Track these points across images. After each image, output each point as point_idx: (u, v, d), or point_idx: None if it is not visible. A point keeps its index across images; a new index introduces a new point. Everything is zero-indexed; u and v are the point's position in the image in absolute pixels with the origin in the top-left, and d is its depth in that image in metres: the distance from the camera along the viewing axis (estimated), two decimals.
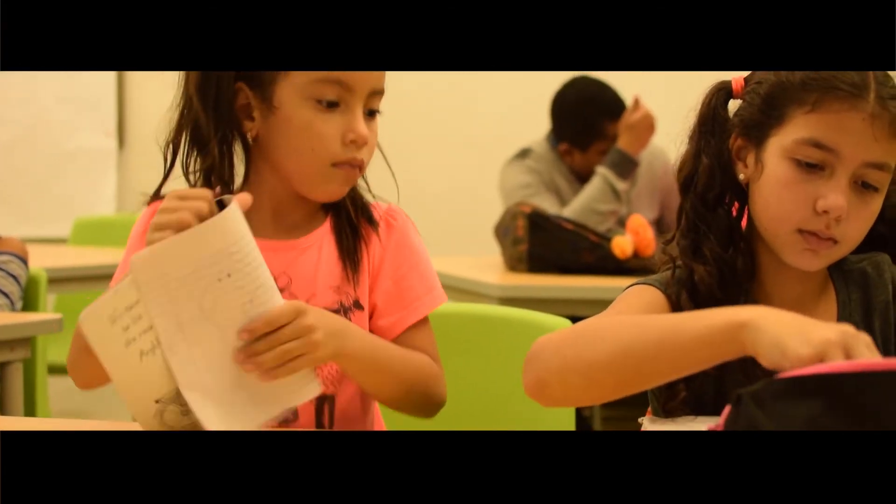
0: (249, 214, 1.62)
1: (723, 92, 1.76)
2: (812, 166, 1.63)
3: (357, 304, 1.83)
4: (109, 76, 5.65)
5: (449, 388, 1.84)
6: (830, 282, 1.76)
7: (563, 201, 4.29)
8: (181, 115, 1.84)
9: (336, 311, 1.79)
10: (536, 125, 4.63)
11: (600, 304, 1.76)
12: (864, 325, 1.72)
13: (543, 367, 1.52)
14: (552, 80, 4.47)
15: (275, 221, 1.83)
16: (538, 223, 3.81)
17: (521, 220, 3.82)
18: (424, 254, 1.89)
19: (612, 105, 4.32)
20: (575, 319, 1.99)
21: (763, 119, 1.68)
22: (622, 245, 3.70)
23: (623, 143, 4.19)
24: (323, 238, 1.84)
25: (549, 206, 4.17)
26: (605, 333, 1.51)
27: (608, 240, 3.74)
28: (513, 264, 3.87)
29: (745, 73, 1.75)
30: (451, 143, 5.81)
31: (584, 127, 4.35)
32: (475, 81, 5.63)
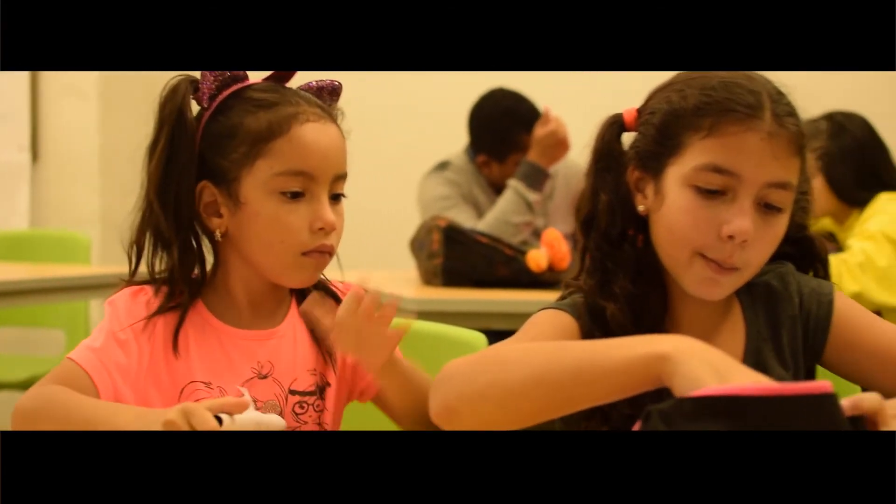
0: (227, 307, 1.83)
1: (615, 125, 1.75)
2: (714, 192, 1.61)
3: (327, 384, 1.90)
4: (23, 89, 5.60)
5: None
6: (736, 300, 1.75)
7: (482, 213, 4.32)
8: (143, 218, 1.84)
9: (313, 393, 1.87)
10: (453, 139, 4.65)
11: (515, 318, 1.78)
12: (772, 340, 1.73)
13: (454, 393, 1.49)
14: (466, 94, 4.50)
15: (252, 311, 1.88)
16: (453, 237, 3.83)
17: (436, 234, 3.83)
18: None
19: (528, 117, 4.35)
20: (490, 333, 2.02)
21: (659, 149, 1.66)
22: (537, 258, 3.72)
23: (533, 155, 4.23)
24: (296, 323, 1.90)
25: (466, 218, 4.20)
26: (521, 359, 1.48)
27: (523, 253, 3.76)
28: (428, 278, 3.88)
29: (641, 105, 1.74)
30: (366, 157, 5.81)
31: (501, 139, 4.38)
32: (390, 96, 5.65)
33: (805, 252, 1.80)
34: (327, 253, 1.82)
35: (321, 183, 1.80)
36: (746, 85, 1.62)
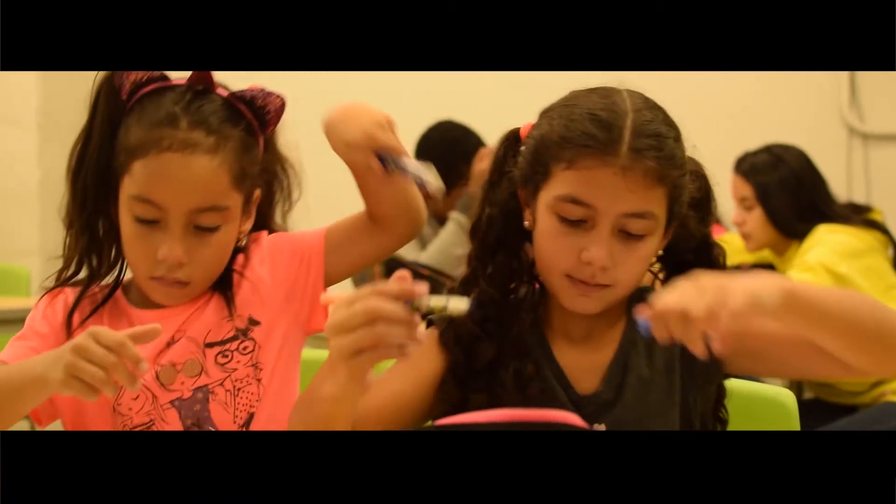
0: (140, 293, 1.84)
1: (511, 140, 1.80)
2: (574, 221, 1.66)
3: (252, 321, 1.86)
4: None
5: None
6: (624, 306, 1.77)
7: (425, 245, 4.32)
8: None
9: (234, 338, 1.84)
10: None
11: None
12: (644, 344, 1.75)
13: None
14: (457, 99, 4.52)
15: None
16: (395, 269, 3.81)
17: (378, 267, 3.83)
18: (292, 239, 1.93)
19: (473, 149, 4.36)
20: None
21: (532, 173, 1.72)
22: None
23: (473, 188, 4.25)
24: (211, 293, 1.87)
25: (410, 249, 4.20)
26: None
27: None
28: None
29: (535, 122, 1.77)
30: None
31: (446, 171, 4.38)
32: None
33: (703, 260, 1.81)
34: (178, 283, 1.80)
35: (173, 215, 1.75)
36: (606, 119, 1.65)
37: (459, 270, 4.02)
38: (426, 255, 4.16)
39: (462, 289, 1.78)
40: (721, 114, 4.90)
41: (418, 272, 3.82)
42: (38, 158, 5.46)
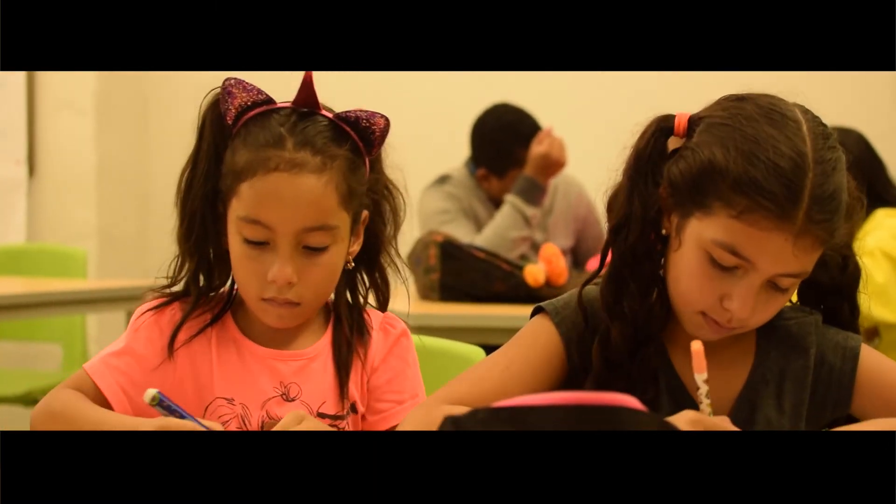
0: (252, 323, 1.84)
1: (663, 129, 1.69)
2: (725, 267, 1.59)
3: (353, 408, 1.87)
4: (20, 104, 5.60)
5: None
6: (754, 334, 1.74)
7: (481, 227, 4.32)
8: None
9: (342, 417, 1.84)
10: (454, 152, 4.65)
11: (513, 333, 1.78)
12: (775, 384, 1.72)
13: None
14: (469, 106, 4.51)
15: (277, 330, 1.86)
16: (450, 252, 3.83)
17: (433, 249, 3.83)
18: (415, 363, 1.94)
19: (528, 133, 4.35)
20: (487, 347, 2.02)
21: (690, 196, 1.62)
22: (534, 273, 3.72)
23: (529, 170, 4.24)
24: (326, 348, 1.88)
25: (465, 232, 4.20)
26: None
27: (520, 268, 3.76)
28: (425, 293, 3.88)
29: (694, 115, 1.67)
30: None
31: (501, 154, 4.39)
32: (389, 108, 5.65)
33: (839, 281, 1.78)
34: (290, 304, 1.80)
35: (282, 235, 1.75)
36: (790, 174, 1.55)
37: (514, 253, 4.05)
38: (481, 238, 4.16)
39: (605, 292, 1.70)
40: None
41: (474, 255, 3.82)
42: (95, 142, 5.49)
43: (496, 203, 4.40)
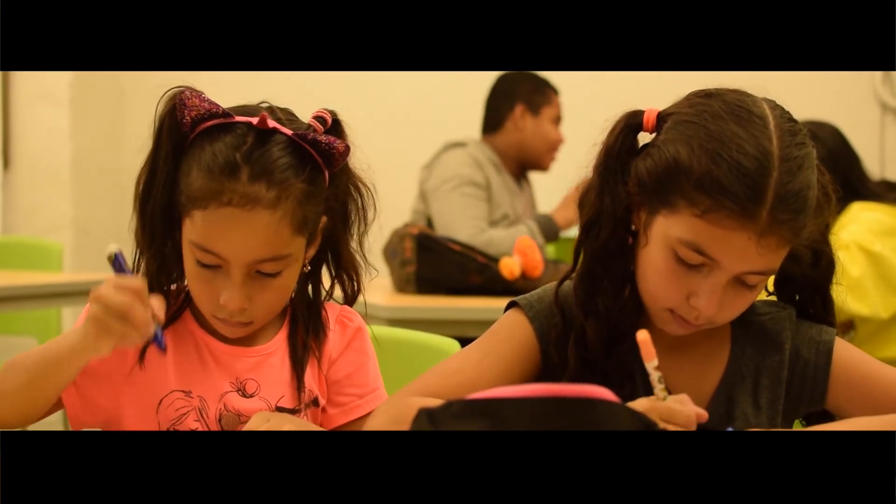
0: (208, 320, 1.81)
1: (632, 124, 1.68)
2: (691, 265, 1.59)
3: (315, 402, 1.87)
4: None
5: None
6: (729, 329, 1.74)
7: (491, 195, 4.31)
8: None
9: (299, 411, 1.84)
10: (432, 145, 4.63)
11: (488, 325, 1.78)
12: (752, 380, 1.73)
13: None
14: (445, 101, 4.50)
15: None
16: (426, 245, 3.83)
17: (409, 242, 3.83)
18: (374, 356, 1.93)
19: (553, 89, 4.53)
20: (463, 340, 2.02)
21: (655, 193, 1.62)
22: (510, 266, 3.72)
23: (558, 213, 4.26)
24: (283, 343, 1.88)
25: (485, 213, 4.25)
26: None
27: (496, 261, 3.77)
28: (401, 286, 3.88)
29: (663, 111, 1.67)
30: None
31: (538, 88, 4.47)
32: (370, 104, 5.66)
33: (812, 274, 1.78)
34: (242, 324, 1.80)
35: (234, 266, 1.74)
36: (753, 173, 1.55)
37: (490, 249, 4.05)
38: (485, 236, 4.15)
39: (578, 290, 1.69)
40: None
41: (450, 248, 3.82)
42: (71, 134, 5.47)
43: (513, 175, 4.46)
